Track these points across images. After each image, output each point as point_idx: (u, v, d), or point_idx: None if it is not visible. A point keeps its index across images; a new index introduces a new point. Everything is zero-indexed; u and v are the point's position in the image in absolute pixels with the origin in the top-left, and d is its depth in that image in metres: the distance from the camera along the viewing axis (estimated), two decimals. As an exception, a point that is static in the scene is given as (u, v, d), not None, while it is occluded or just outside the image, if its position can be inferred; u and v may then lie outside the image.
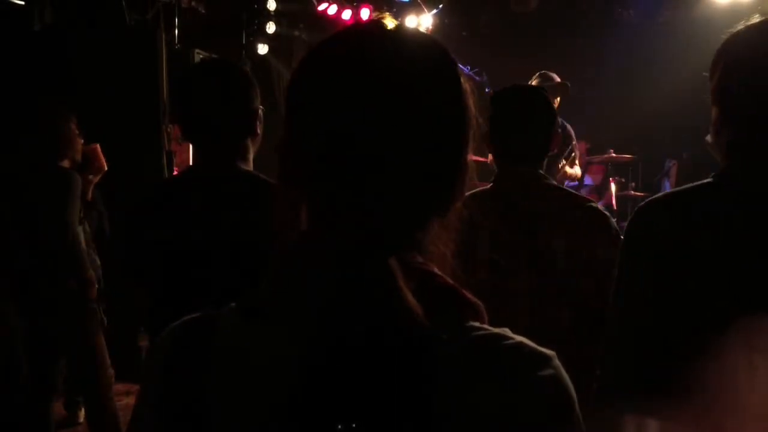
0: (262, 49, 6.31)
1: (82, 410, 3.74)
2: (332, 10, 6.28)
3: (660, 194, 1.33)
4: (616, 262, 1.29)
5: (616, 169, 6.57)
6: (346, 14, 6.28)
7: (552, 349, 0.61)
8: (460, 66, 0.70)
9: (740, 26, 1.23)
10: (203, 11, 5.79)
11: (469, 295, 0.63)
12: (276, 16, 6.30)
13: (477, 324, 0.62)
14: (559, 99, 4.14)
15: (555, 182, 1.91)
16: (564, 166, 4.52)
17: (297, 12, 6.57)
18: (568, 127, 4.54)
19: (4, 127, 3.38)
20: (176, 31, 5.31)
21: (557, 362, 0.60)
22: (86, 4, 4.90)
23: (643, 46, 6.52)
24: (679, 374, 1.06)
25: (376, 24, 0.68)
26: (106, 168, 3.37)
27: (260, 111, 1.74)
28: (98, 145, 3.37)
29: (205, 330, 0.66)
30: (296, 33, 6.75)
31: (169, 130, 4.64)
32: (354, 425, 0.57)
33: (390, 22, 0.67)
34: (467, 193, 0.70)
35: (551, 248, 1.71)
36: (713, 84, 1.25)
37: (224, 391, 0.63)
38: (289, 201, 0.68)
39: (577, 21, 6.74)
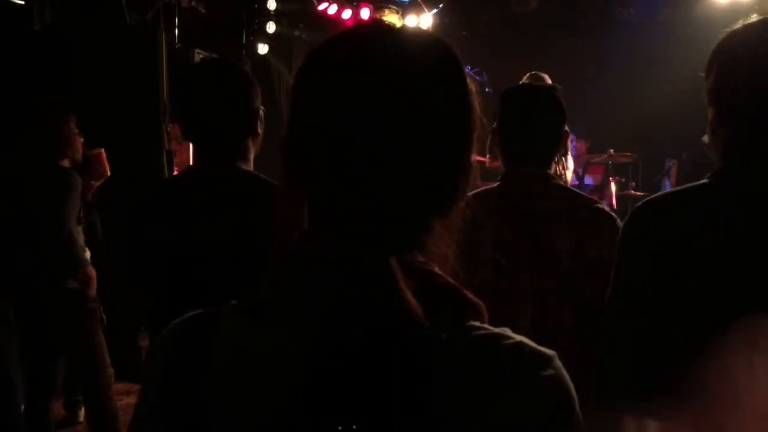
0: (262, 48, 6.31)
1: (82, 410, 3.74)
2: (332, 9, 6.28)
3: (656, 195, 1.32)
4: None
5: (616, 168, 6.57)
6: (346, 14, 6.28)
7: (554, 349, 0.61)
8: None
9: (736, 25, 1.23)
10: (203, 11, 5.79)
11: (470, 295, 0.63)
12: (276, 16, 6.30)
13: (477, 324, 0.62)
14: None
15: (562, 183, 1.90)
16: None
17: (297, 12, 6.57)
18: None
19: (4, 127, 3.38)
20: (176, 31, 5.31)
21: (558, 362, 0.60)
22: (86, 4, 4.90)
23: (643, 46, 6.52)
24: (679, 374, 1.06)
25: (378, 24, 0.68)
26: (108, 173, 3.37)
27: (261, 111, 1.74)
28: (103, 150, 3.38)
29: (205, 329, 0.66)
30: (296, 33, 6.74)
31: (169, 129, 4.64)
32: (354, 426, 0.57)
33: (393, 21, 0.67)
34: (471, 193, 0.70)
35: (555, 248, 1.70)
36: (709, 84, 1.24)
37: (224, 392, 0.63)
38: (291, 201, 0.68)
39: (577, 21, 6.74)
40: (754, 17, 1.23)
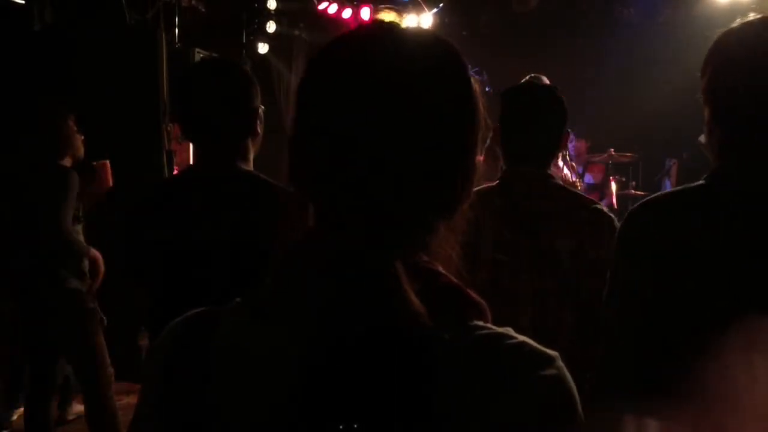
0: (263, 48, 6.31)
1: (72, 407, 3.75)
2: (332, 9, 6.28)
3: (653, 196, 1.32)
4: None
5: (616, 168, 6.58)
6: (347, 13, 6.28)
7: (554, 349, 0.61)
8: None
9: (733, 24, 1.22)
10: (203, 10, 5.79)
11: (474, 295, 0.63)
12: (276, 16, 6.30)
13: (480, 323, 0.62)
14: None
15: (562, 182, 1.90)
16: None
17: (297, 11, 6.57)
18: None
19: (4, 126, 3.38)
20: (176, 31, 5.31)
21: (560, 363, 0.60)
22: (86, 4, 4.90)
23: (643, 46, 6.52)
24: (679, 374, 1.06)
25: (379, 25, 0.68)
26: (110, 185, 3.37)
27: (261, 110, 1.73)
28: (108, 162, 3.38)
29: (205, 329, 0.67)
30: (296, 32, 6.74)
31: (169, 129, 4.64)
32: (355, 425, 0.57)
33: (394, 20, 0.67)
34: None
35: (555, 248, 1.70)
36: (704, 83, 1.24)
37: (225, 391, 0.63)
38: (297, 201, 0.68)
39: (577, 21, 6.74)
40: (751, 16, 1.22)
